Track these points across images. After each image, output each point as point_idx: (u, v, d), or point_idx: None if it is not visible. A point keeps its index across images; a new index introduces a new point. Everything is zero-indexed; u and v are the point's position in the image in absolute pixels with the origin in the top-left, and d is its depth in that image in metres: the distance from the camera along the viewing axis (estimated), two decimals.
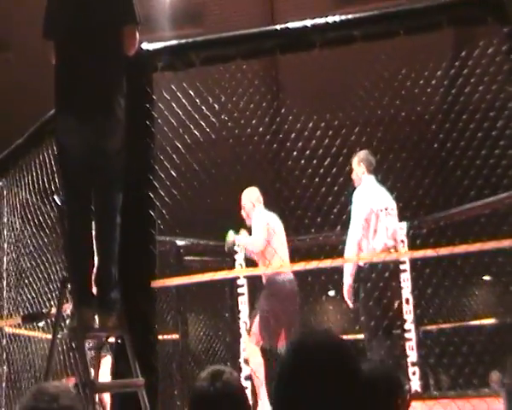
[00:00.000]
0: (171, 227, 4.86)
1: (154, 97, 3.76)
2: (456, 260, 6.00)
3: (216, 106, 3.91)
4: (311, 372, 1.00)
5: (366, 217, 5.03)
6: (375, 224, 5.09)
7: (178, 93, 3.88)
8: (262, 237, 5.22)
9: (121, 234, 3.54)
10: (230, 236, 5.40)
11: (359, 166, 5.22)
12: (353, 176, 5.26)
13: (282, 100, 4.68)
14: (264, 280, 5.49)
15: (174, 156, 4.06)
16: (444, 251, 5.14)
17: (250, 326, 5.59)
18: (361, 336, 5.48)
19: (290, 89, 6.49)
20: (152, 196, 3.89)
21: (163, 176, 3.96)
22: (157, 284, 4.07)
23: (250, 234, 5.42)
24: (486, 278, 7.61)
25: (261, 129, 4.36)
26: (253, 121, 4.31)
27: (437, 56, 4.45)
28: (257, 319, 5.35)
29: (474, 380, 5.91)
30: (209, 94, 3.93)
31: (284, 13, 6.23)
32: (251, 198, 5.40)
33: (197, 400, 2.00)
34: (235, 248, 5.93)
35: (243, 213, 5.46)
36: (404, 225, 7.16)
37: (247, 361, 5.88)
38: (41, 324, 5.59)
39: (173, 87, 3.80)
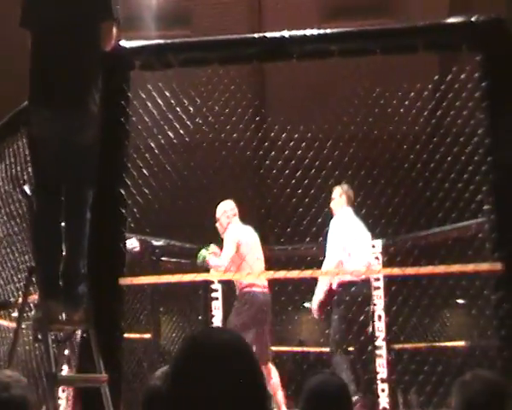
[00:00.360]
0: (144, 227, 4.88)
1: (130, 95, 3.78)
2: (432, 281, 6.10)
3: (191, 109, 3.94)
4: (192, 368, 0.99)
5: (343, 245, 5.21)
6: (350, 253, 5.26)
7: (156, 94, 3.90)
8: (227, 258, 5.25)
9: (91, 230, 3.54)
10: (202, 254, 5.43)
11: (341, 197, 5.40)
12: (333, 205, 5.41)
13: (259, 108, 4.72)
14: (237, 292, 5.52)
15: (151, 157, 4.08)
16: (410, 271, 5.25)
17: None
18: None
19: (269, 98, 6.54)
20: (124, 193, 3.90)
21: (139, 176, 3.98)
22: (125, 281, 4.08)
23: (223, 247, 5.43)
24: (460, 301, 7.69)
25: (235, 135, 4.40)
26: (228, 127, 4.35)
27: (417, 78, 4.51)
28: None
29: (435, 400, 5.97)
30: (186, 97, 3.96)
31: (272, 23, 6.25)
32: (225, 211, 5.39)
33: (150, 398, 2.01)
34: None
35: (218, 226, 5.45)
36: (379, 242, 7.23)
37: None
38: (15, 313, 5.55)
39: (151, 88, 3.82)
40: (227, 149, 4.60)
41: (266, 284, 5.36)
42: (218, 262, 5.34)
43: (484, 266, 4.10)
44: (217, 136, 4.51)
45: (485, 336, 6.18)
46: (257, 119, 4.59)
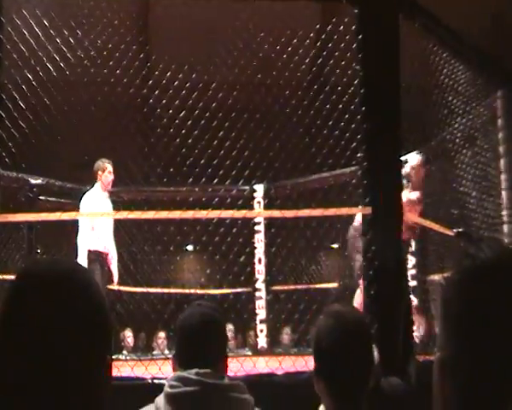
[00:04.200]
0: (21, 163, 4.69)
1: (3, 19, 3.55)
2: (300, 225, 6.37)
3: (72, 42, 3.78)
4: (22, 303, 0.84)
5: None
6: None
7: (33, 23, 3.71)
8: None
9: None
10: None
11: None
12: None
13: (143, 45, 4.60)
14: None
15: (29, 90, 3.90)
16: (289, 214, 5.46)
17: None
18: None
19: (155, 34, 6.38)
20: None
21: (15, 109, 3.80)
22: None
23: None
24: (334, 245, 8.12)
25: (118, 71, 4.28)
26: (111, 63, 4.22)
27: (303, 27, 4.59)
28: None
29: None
30: (67, 29, 3.78)
31: None
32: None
33: None
34: None
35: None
36: (261, 187, 7.44)
37: None
38: None
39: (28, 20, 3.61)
40: (110, 86, 4.48)
41: None
42: None
43: (356, 210, 4.36)
44: (99, 72, 4.36)
45: (355, 276, 6.61)
46: (141, 56, 4.49)
